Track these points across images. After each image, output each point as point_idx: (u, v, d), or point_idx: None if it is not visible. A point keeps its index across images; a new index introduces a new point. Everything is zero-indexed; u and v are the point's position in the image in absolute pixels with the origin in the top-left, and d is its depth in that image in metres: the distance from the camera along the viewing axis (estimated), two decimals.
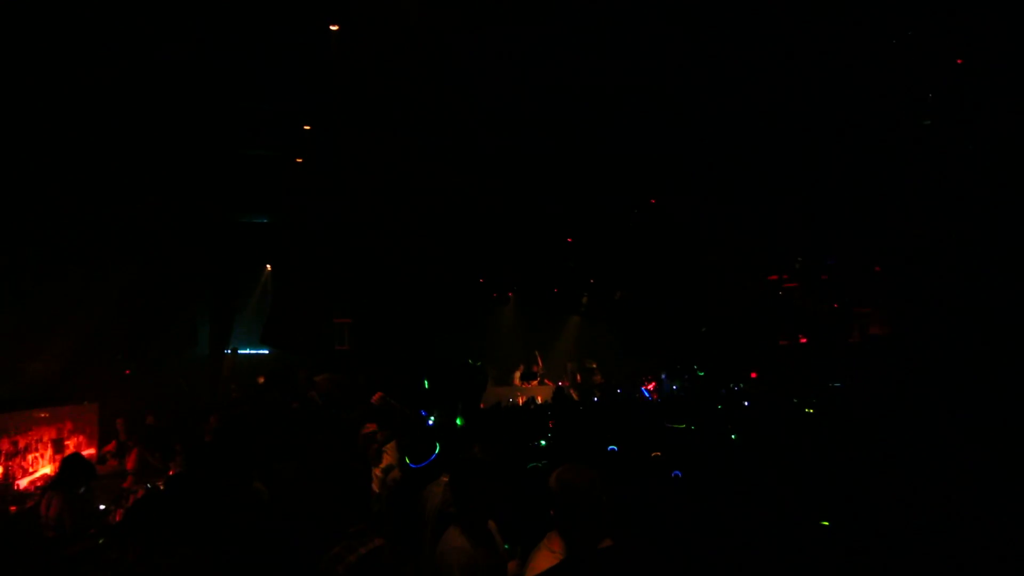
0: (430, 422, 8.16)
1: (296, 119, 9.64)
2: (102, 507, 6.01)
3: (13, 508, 6.91)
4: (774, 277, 18.05)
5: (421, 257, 15.47)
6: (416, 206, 12.88)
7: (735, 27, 7.70)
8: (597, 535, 2.90)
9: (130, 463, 8.05)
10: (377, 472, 5.47)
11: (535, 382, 18.59)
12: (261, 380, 13.14)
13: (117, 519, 5.65)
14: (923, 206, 12.53)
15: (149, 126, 9.05)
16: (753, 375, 18.10)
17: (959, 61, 8.53)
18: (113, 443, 9.31)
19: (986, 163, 10.86)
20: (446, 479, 4.72)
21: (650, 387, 17.85)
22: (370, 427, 5.90)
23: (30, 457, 8.98)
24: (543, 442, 8.11)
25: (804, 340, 17.95)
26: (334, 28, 7.12)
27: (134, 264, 11.25)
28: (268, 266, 15.70)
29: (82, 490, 5.76)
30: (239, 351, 14.99)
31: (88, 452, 9.64)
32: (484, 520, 3.76)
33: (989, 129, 9.94)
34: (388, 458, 5.72)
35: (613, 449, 6.47)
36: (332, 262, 14.91)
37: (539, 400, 15.50)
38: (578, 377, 19.40)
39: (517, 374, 18.84)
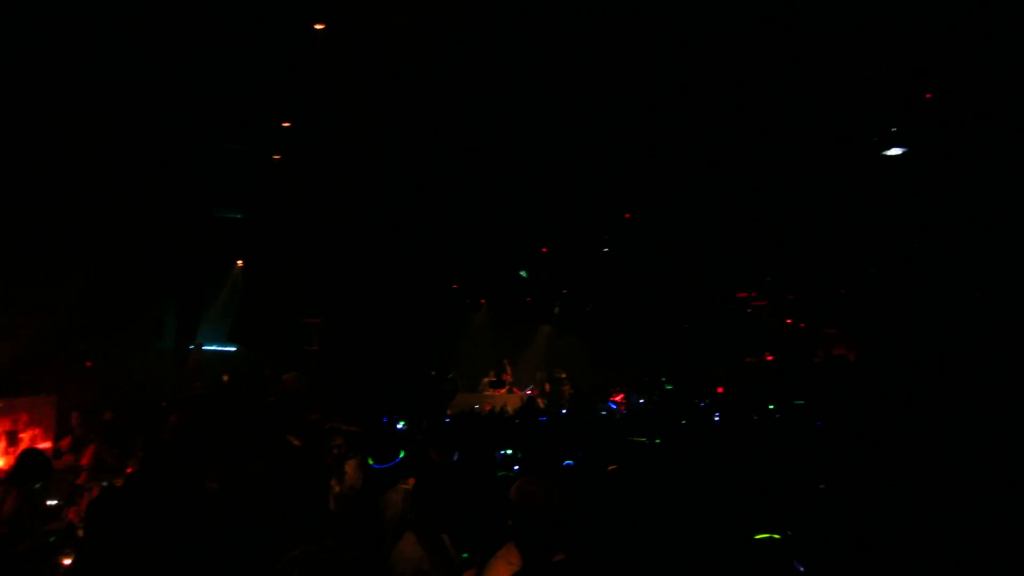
0: (399, 426, 8.12)
1: (276, 115, 9.55)
2: (53, 502, 5.88)
3: None
4: (743, 295, 18.28)
5: (396, 260, 15.42)
6: (393, 209, 12.84)
7: (710, 46, 7.78)
8: (553, 548, 2.92)
9: (85, 459, 7.88)
10: (335, 487, 5.41)
11: (503, 390, 18.57)
12: (226, 378, 12.98)
13: (70, 516, 5.53)
14: (890, 232, 12.77)
15: (124, 116, 8.93)
16: (720, 390, 18.26)
17: (927, 96, 8.73)
18: (68, 438, 9.09)
19: (949, 187, 11.11)
20: (405, 486, 4.71)
21: (618, 399, 17.92)
22: (336, 441, 5.86)
23: None
24: (514, 451, 8.10)
25: (770, 358, 18.18)
26: (319, 27, 7.08)
27: (100, 254, 11.05)
28: (239, 262, 15.51)
29: (37, 486, 5.65)
30: (204, 347, 14.77)
31: (44, 446, 9.41)
32: (440, 528, 3.76)
33: (952, 153, 10.17)
34: (350, 475, 5.65)
35: (569, 464, 6.47)
36: (305, 261, 14.78)
37: (509, 409, 15.49)
38: (547, 387, 19.44)
39: (486, 381, 18.82)
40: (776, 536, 4.27)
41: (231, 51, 7.65)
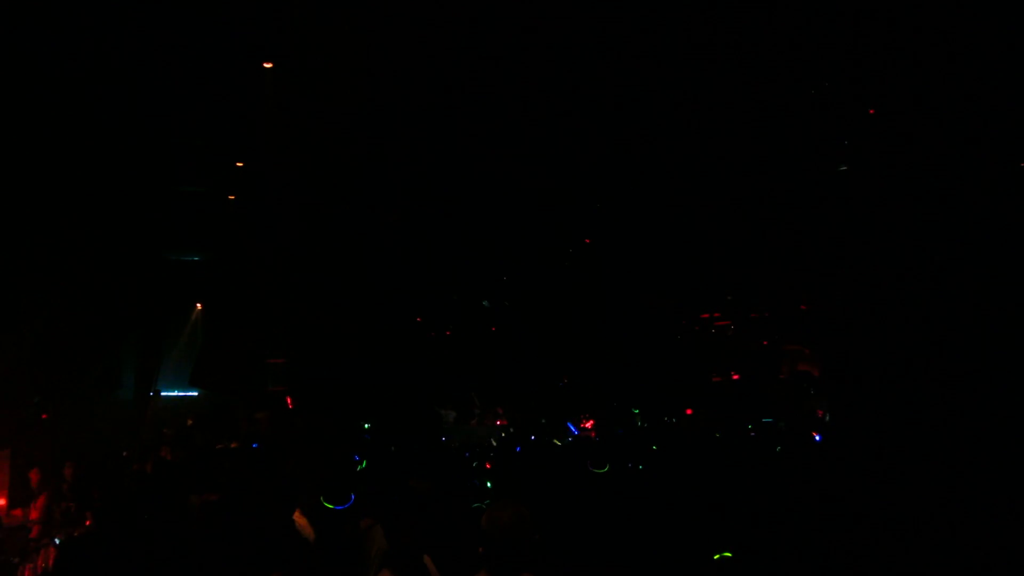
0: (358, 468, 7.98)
1: (228, 155, 9.51)
2: (14, 560, 5.67)
3: None
4: (706, 315, 18.47)
5: (357, 295, 15.31)
6: (351, 245, 12.79)
7: (668, 57, 7.95)
8: (520, 572, 2.90)
9: (35, 512, 7.61)
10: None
11: (473, 422, 18.40)
12: (190, 422, 12.71)
13: (26, 574, 5.33)
14: (849, 246, 13.04)
15: (77, 157, 8.81)
16: (688, 412, 18.32)
17: (872, 111, 8.99)
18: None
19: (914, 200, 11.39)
20: None
21: (588, 425, 17.85)
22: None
23: None
24: (488, 483, 8.03)
25: (736, 376, 18.33)
26: (268, 65, 7.10)
27: (54, 300, 10.80)
28: (199, 305, 15.28)
29: None
30: (163, 393, 14.46)
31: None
32: (418, 556, 3.71)
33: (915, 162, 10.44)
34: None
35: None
36: (265, 301, 14.62)
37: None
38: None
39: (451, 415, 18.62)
40: (728, 555, 4.30)
41: (182, 92, 7.63)
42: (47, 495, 7.81)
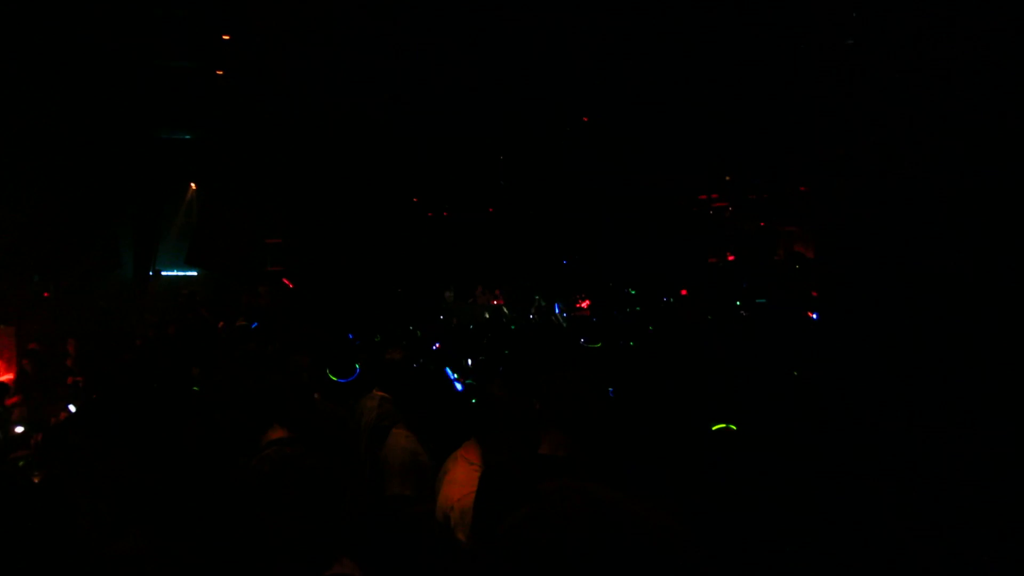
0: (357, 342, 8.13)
1: (214, 28, 9.16)
2: (20, 430, 5.90)
3: None
4: (704, 196, 18.38)
5: (354, 173, 15.14)
6: (349, 119, 12.50)
7: None
8: (510, 447, 2.94)
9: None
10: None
11: (471, 300, 18.65)
12: (185, 292, 12.84)
13: (38, 439, 5.56)
14: (847, 128, 12.82)
15: (64, 39, 8.54)
16: (683, 292, 18.56)
17: None
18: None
19: (908, 89, 11.12)
20: (380, 394, 4.81)
21: (584, 304, 18.11)
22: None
23: None
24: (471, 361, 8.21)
25: (732, 258, 18.46)
26: None
27: (48, 180, 10.72)
28: (193, 185, 15.15)
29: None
30: (163, 273, 14.58)
31: (5, 377, 9.34)
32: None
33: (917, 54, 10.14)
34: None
35: None
36: (260, 180, 14.47)
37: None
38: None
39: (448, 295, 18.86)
40: (732, 427, 4.42)
41: None
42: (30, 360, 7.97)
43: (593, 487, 1.61)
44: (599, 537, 1.50)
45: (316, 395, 4.69)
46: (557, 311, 15.83)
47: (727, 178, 16.98)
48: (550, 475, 2.41)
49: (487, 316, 15.43)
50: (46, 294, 11.64)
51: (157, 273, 14.46)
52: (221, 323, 9.81)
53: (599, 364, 7.00)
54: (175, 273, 14.87)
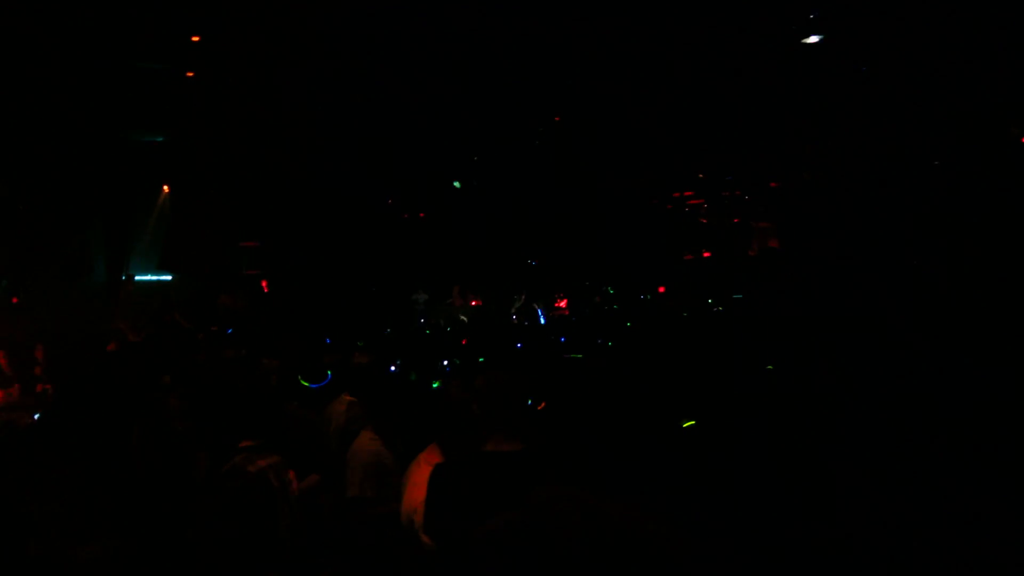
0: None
1: (184, 30, 9.08)
2: None
3: None
4: (677, 194, 18.51)
5: (328, 176, 15.07)
6: (321, 120, 12.44)
7: None
8: (472, 445, 2.97)
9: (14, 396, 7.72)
10: None
11: (449, 301, 18.63)
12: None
13: None
14: (818, 125, 12.96)
15: (31, 38, 8.42)
16: (661, 289, 18.69)
17: None
18: None
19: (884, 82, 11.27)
20: (349, 398, 4.80)
21: (562, 304, 18.16)
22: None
23: None
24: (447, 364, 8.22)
25: (707, 254, 18.61)
26: None
27: (16, 183, 10.59)
28: (165, 187, 14.97)
29: None
30: (136, 278, 14.40)
31: None
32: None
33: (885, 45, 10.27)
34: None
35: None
36: (235, 181, 14.36)
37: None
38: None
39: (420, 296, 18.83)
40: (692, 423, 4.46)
41: None
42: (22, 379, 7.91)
43: (584, 496, 1.62)
44: (594, 547, 1.52)
45: (294, 404, 4.70)
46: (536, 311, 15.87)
47: (700, 176, 17.12)
48: (497, 472, 2.45)
49: (463, 319, 15.43)
50: (15, 299, 11.47)
51: (130, 278, 14.28)
52: (201, 335, 9.74)
53: (533, 364, 7.03)
54: (149, 278, 14.70)
